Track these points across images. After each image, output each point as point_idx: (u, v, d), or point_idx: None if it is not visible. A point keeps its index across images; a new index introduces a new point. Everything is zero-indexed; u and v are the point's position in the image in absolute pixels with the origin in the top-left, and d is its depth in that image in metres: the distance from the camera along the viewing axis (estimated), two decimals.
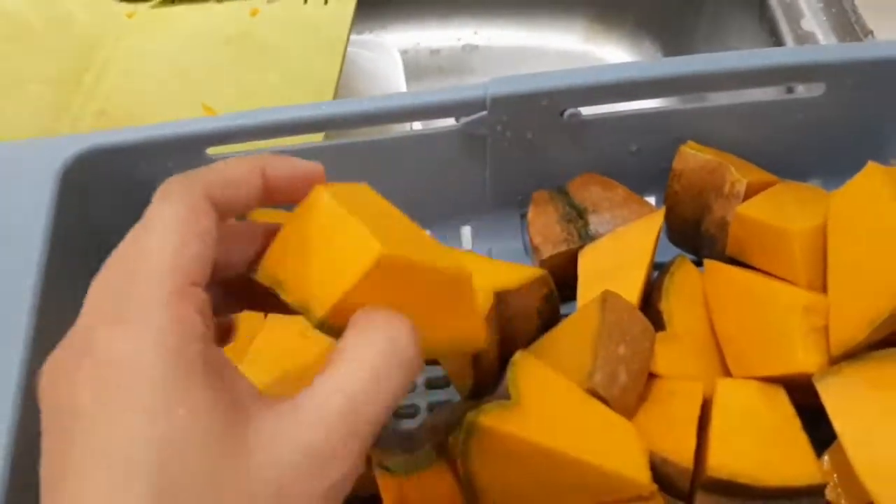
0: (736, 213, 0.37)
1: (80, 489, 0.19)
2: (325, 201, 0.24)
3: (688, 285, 0.37)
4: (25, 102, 0.54)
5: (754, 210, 0.37)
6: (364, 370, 0.21)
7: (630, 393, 0.32)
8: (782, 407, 0.33)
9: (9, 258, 0.35)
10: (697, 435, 0.32)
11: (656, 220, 0.38)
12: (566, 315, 0.37)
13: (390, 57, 0.63)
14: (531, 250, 0.42)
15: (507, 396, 0.30)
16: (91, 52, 0.57)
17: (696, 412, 0.33)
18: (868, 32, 0.54)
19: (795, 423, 0.33)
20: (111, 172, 0.40)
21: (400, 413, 0.41)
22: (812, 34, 0.56)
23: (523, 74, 0.40)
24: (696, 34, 0.68)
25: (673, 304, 0.36)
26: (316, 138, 0.43)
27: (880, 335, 0.32)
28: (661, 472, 0.32)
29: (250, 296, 0.26)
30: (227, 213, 0.24)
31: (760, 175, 0.40)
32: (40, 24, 0.60)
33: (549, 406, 0.31)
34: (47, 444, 0.20)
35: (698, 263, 0.40)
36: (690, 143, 0.41)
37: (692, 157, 0.40)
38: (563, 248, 0.40)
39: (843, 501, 0.32)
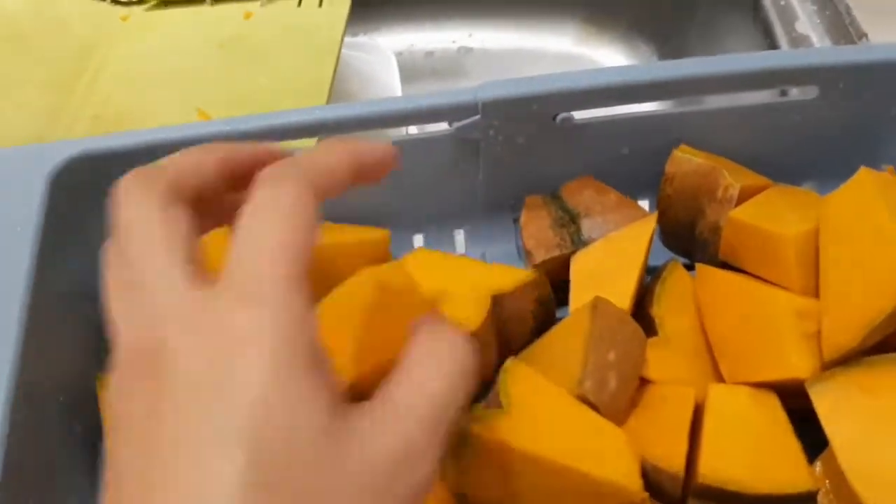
0: (728, 218, 0.37)
1: (173, 453, 0.19)
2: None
3: (680, 290, 0.37)
4: (20, 107, 0.54)
5: (747, 214, 0.37)
6: (442, 376, 0.22)
7: (620, 399, 0.32)
8: (774, 413, 0.33)
9: None
10: (689, 441, 0.32)
11: (648, 225, 0.38)
12: (561, 318, 0.37)
13: (385, 59, 0.63)
14: (524, 254, 0.42)
15: (498, 404, 0.30)
16: (85, 56, 0.57)
17: (688, 418, 0.33)
18: (862, 35, 0.53)
19: (787, 429, 0.33)
20: (102, 178, 0.39)
21: None
22: (806, 37, 0.56)
23: (515, 78, 0.40)
24: (691, 36, 0.68)
25: (665, 309, 0.36)
26: (309, 142, 0.43)
27: (873, 340, 0.32)
28: (652, 479, 0.32)
29: (219, 211, 0.26)
30: (322, 199, 0.23)
31: (754, 179, 0.40)
32: (34, 27, 0.59)
33: (540, 414, 0.31)
34: (132, 415, 0.20)
35: (692, 267, 0.40)
36: (683, 146, 0.41)
37: (685, 160, 0.40)
38: (556, 252, 0.40)
39: None
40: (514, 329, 0.38)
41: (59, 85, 0.55)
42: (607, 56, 0.71)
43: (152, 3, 0.61)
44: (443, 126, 0.41)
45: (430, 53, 0.73)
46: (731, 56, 0.40)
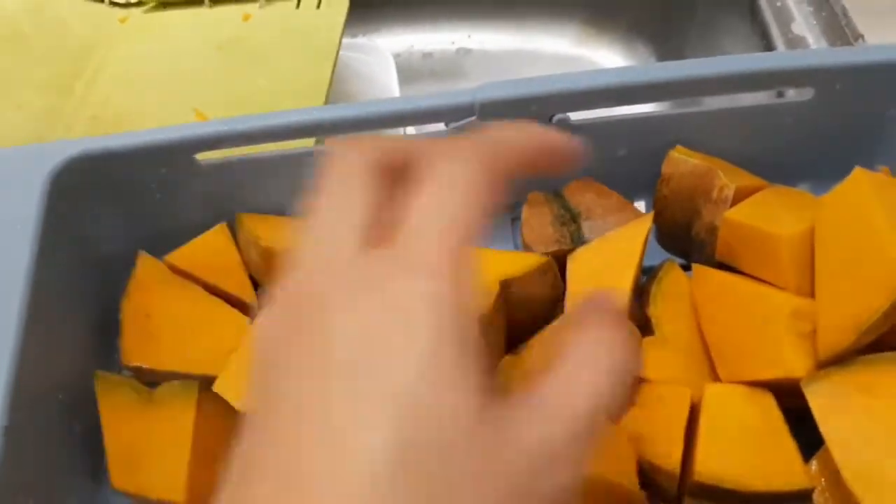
0: (724, 218, 0.38)
1: (323, 411, 0.18)
2: None
3: (676, 290, 0.37)
4: (19, 107, 0.54)
5: (743, 215, 0.37)
6: (606, 382, 0.21)
7: None
8: (770, 412, 0.33)
9: None
10: (685, 439, 0.32)
11: (644, 225, 0.38)
12: None
13: (384, 60, 0.63)
14: (523, 250, 0.42)
15: None
16: (84, 58, 0.57)
17: (685, 417, 0.33)
18: (859, 36, 0.54)
19: (783, 428, 0.33)
20: (100, 178, 0.40)
21: None
22: (803, 38, 0.56)
23: (511, 80, 0.40)
24: (689, 37, 0.68)
25: (661, 308, 0.36)
26: (307, 143, 0.43)
27: (868, 339, 0.32)
28: (648, 477, 0.32)
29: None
30: (503, 179, 0.22)
31: (749, 180, 0.40)
32: (33, 28, 0.60)
33: None
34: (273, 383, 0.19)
35: (688, 268, 0.40)
36: (679, 147, 0.41)
37: (681, 161, 0.40)
38: (555, 248, 0.40)
39: None
40: (523, 314, 0.38)
41: (57, 86, 0.55)
42: (606, 57, 0.71)
43: (151, 4, 0.61)
44: (440, 127, 0.41)
45: (428, 55, 0.73)
46: (728, 57, 0.41)
